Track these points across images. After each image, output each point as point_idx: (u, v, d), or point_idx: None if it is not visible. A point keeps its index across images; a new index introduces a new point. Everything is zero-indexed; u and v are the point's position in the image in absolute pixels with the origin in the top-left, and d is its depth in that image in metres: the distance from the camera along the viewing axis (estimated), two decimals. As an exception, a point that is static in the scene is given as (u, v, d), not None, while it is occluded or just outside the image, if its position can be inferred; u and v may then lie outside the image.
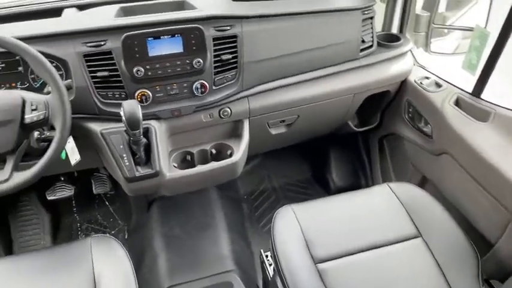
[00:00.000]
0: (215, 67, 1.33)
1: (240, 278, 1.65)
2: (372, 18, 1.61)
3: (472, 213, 1.40)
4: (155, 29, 1.22)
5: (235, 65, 1.36)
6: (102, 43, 1.22)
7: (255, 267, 1.78)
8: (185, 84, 1.32)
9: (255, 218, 2.07)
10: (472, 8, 1.80)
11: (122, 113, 1.13)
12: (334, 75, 1.56)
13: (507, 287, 1.13)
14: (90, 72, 1.23)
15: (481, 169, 1.31)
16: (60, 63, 1.24)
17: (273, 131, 1.64)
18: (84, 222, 2.04)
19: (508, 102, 1.39)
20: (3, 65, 1.24)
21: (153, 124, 1.32)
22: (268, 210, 2.10)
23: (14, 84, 1.27)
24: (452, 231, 1.25)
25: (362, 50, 1.59)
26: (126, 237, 1.96)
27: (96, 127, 1.29)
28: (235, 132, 1.50)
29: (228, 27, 1.32)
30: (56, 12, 1.41)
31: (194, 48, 1.27)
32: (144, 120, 1.29)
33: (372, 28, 1.62)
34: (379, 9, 1.79)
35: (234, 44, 1.34)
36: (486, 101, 1.42)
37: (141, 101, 1.28)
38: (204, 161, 1.46)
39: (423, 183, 1.74)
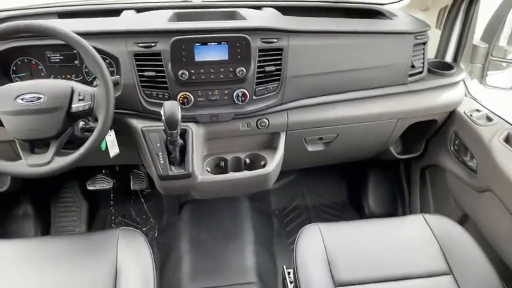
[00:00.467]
0: (257, 77, 1.35)
1: (260, 291, 1.63)
2: (424, 43, 1.57)
3: (510, 256, 1.31)
4: (203, 35, 1.26)
5: (277, 78, 1.37)
6: (153, 44, 1.27)
7: (277, 283, 1.75)
8: (226, 91, 1.34)
9: (283, 234, 2.05)
10: (535, 43, 1.72)
11: (162, 113, 1.16)
12: (378, 97, 1.52)
13: None
14: (139, 71, 1.28)
15: None
16: (113, 60, 1.31)
17: (310, 148, 1.63)
18: (119, 216, 2.11)
19: None
20: (61, 57, 1.33)
21: (191, 127, 1.35)
22: (298, 227, 2.05)
23: (69, 76, 1.35)
24: (486, 273, 1.17)
25: (411, 75, 1.55)
26: (156, 235, 2.00)
27: (137, 124, 1.34)
28: (271, 144, 1.50)
29: (275, 40, 1.33)
30: (115, 12, 1.49)
31: (239, 57, 1.29)
32: (183, 122, 1.33)
33: (423, 54, 1.58)
34: (434, 36, 1.75)
35: (279, 57, 1.35)
36: (539, 142, 1.33)
37: (182, 103, 1.32)
38: (237, 169, 1.47)
39: (464, 220, 1.65)
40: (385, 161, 2.00)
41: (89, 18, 1.39)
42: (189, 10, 1.50)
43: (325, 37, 1.39)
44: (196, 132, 1.36)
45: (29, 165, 1.07)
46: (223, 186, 1.41)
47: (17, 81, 1.31)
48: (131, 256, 1.19)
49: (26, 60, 1.32)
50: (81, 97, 1.10)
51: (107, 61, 1.32)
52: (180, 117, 1.17)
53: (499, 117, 1.52)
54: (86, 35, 1.18)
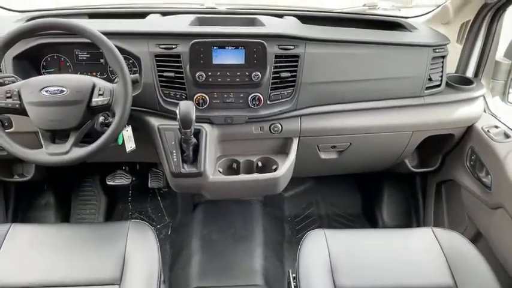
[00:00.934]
0: (273, 83, 1.38)
1: (265, 294, 1.65)
2: (443, 57, 1.56)
3: None
4: (221, 39, 1.30)
5: (292, 84, 1.40)
6: (174, 46, 1.33)
7: (284, 287, 1.76)
8: (241, 95, 1.38)
9: (294, 241, 2.05)
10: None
11: (177, 112, 1.21)
12: (393, 108, 1.53)
13: None
14: (158, 71, 1.34)
15: None
16: (136, 61, 1.37)
17: (323, 155, 1.64)
18: (135, 212, 2.17)
19: None
20: (88, 56, 1.41)
21: (206, 127, 1.40)
22: (309, 235, 2.07)
23: (94, 74, 1.43)
24: None
25: (428, 88, 1.55)
26: (169, 233, 2.05)
27: (155, 122, 1.40)
28: (283, 149, 1.53)
29: (292, 47, 1.36)
30: (142, 15, 1.56)
31: (255, 62, 1.33)
32: (197, 122, 1.38)
33: (442, 67, 1.57)
34: (456, 50, 1.74)
35: (295, 64, 1.38)
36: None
37: (198, 104, 1.37)
38: (249, 172, 1.50)
39: (477, 237, 1.62)
40: (401, 174, 1.98)
41: (116, 20, 1.46)
42: (211, 15, 1.55)
43: (342, 46, 1.41)
44: (210, 133, 1.40)
45: (49, 153, 1.13)
46: (233, 187, 1.45)
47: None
48: (139, 246, 1.24)
49: (55, 57, 1.40)
50: (101, 92, 1.16)
51: (131, 61, 1.39)
52: (194, 116, 1.21)
53: (517, 134, 1.50)
54: (110, 34, 1.25)
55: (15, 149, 1.14)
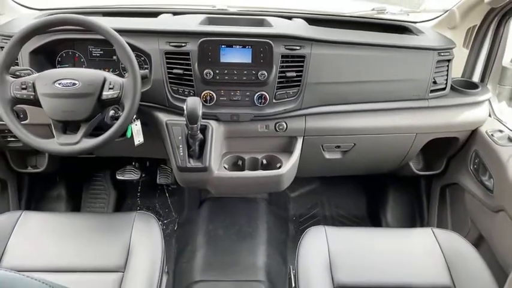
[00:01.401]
0: (278, 82, 1.41)
1: (266, 289, 1.67)
2: (449, 61, 1.58)
3: None
4: (228, 38, 1.34)
5: (298, 84, 1.43)
6: (183, 44, 1.37)
7: (285, 284, 1.79)
8: (247, 93, 1.42)
9: (298, 240, 2.07)
10: None
11: (184, 107, 1.26)
12: (397, 110, 1.55)
13: None
14: (168, 68, 1.38)
15: None
16: (147, 58, 1.42)
17: (327, 155, 1.67)
18: (144, 207, 2.22)
19: None
20: (101, 52, 1.47)
21: (212, 124, 1.44)
22: (313, 235, 2.09)
23: (107, 70, 1.47)
24: None
25: (432, 91, 1.56)
26: (175, 228, 2.10)
27: (163, 117, 1.44)
28: (287, 148, 1.56)
29: (298, 47, 1.40)
30: (154, 15, 1.62)
31: (262, 61, 1.37)
32: (204, 119, 1.42)
33: (447, 71, 1.59)
34: (462, 55, 1.75)
35: (301, 64, 1.41)
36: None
37: (205, 101, 1.41)
38: (254, 169, 1.54)
39: (480, 240, 1.62)
40: (405, 177, 1.99)
41: (128, 18, 1.51)
42: (221, 16, 1.59)
43: (347, 48, 1.44)
44: (216, 130, 1.44)
45: (60, 143, 1.18)
46: (237, 183, 1.48)
47: None
48: (144, 236, 1.28)
49: (70, 53, 1.46)
50: (111, 86, 1.21)
51: (142, 58, 1.44)
52: (200, 112, 1.25)
53: (521, 138, 1.51)
54: (123, 31, 1.30)
55: (29, 138, 1.19)
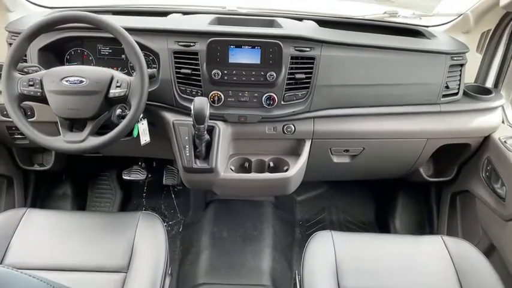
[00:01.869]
0: (287, 84, 1.40)
1: (271, 295, 1.65)
2: (462, 65, 1.55)
3: None
4: (237, 39, 1.33)
5: (307, 85, 1.41)
6: (192, 44, 1.36)
7: (290, 288, 1.76)
8: (256, 94, 1.40)
9: (304, 245, 2.04)
10: None
11: (192, 107, 1.24)
12: (408, 115, 1.52)
13: None
14: (176, 68, 1.37)
15: None
16: (155, 57, 1.41)
17: (336, 159, 1.64)
18: (149, 208, 2.21)
19: None
20: (110, 51, 1.46)
21: (219, 125, 1.42)
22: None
23: (115, 68, 1.47)
24: None
25: (445, 95, 1.53)
26: (180, 229, 2.08)
27: (170, 117, 1.43)
28: (295, 151, 1.54)
29: (308, 49, 1.38)
30: (164, 14, 1.61)
31: (270, 62, 1.35)
32: (211, 119, 1.40)
33: (460, 76, 1.56)
34: (476, 60, 1.72)
35: (310, 66, 1.39)
36: None
37: (213, 101, 1.39)
38: (261, 171, 1.51)
39: (491, 250, 1.58)
40: (415, 183, 1.96)
41: (137, 17, 1.51)
42: (231, 16, 1.58)
43: (358, 50, 1.42)
44: (223, 131, 1.43)
45: (66, 141, 1.18)
46: (243, 185, 1.46)
47: None
48: (148, 237, 1.26)
49: (79, 51, 1.46)
50: (118, 84, 1.20)
51: (151, 58, 1.43)
52: (208, 113, 1.24)
53: (535, 146, 1.47)
54: (132, 30, 1.29)
55: (35, 135, 1.19)
